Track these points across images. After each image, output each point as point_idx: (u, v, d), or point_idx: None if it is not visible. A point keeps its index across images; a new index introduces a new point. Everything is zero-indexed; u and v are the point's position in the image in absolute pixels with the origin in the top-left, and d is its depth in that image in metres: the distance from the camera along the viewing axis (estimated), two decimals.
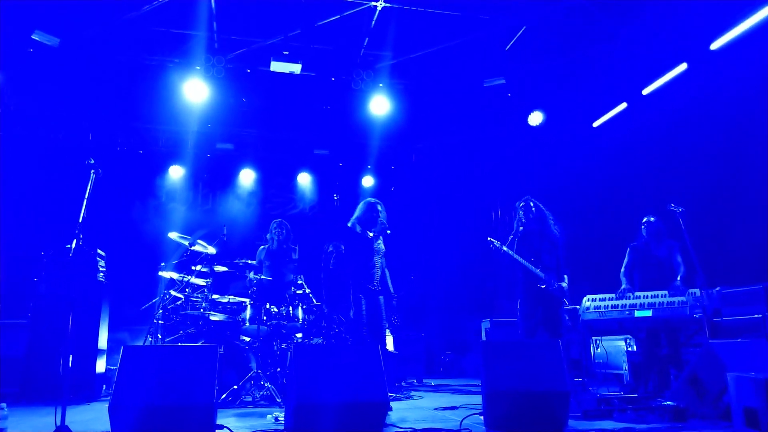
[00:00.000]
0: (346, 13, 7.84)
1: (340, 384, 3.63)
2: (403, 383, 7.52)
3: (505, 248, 5.53)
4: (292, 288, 6.50)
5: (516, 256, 5.49)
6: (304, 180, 11.54)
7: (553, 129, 9.94)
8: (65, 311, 5.40)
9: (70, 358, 4.04)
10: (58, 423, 3.55)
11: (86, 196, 4.25)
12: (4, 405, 3.84)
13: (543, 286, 5.44)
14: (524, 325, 5.42)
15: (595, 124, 9.66)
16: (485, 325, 8.53)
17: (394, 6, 7.64)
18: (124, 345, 3.61)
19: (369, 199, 6.17)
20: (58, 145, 9.55)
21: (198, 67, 8.23)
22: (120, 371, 3.49)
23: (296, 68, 8.17)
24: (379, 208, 6.04)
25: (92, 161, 4.31)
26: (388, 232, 5.93)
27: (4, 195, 8.47)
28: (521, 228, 5.63)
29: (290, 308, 6.25)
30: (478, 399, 5.00)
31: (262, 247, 6.98)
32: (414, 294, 10.84)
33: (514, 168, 11.01)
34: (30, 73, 8.26)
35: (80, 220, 4.15)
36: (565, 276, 5.58)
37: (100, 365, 6.18)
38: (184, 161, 10.54)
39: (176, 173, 10.64)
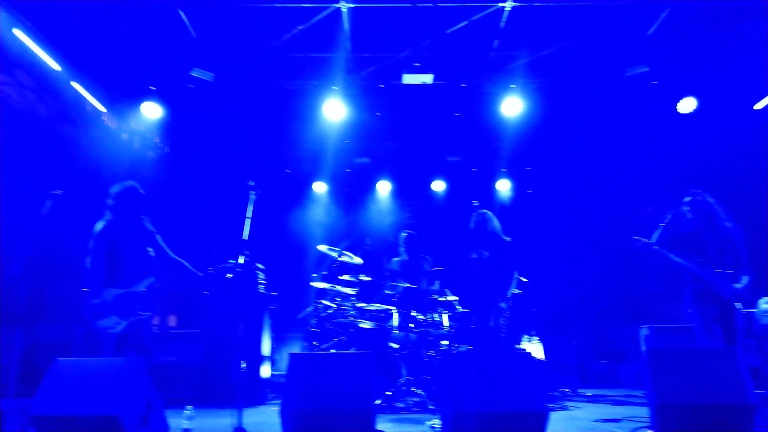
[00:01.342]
0: (474, 18, 7.81)
1: (496, 392, 3.59)
2: (556, 393, 7.24)
3: (656, 246, 5.11)
4: (434, 296, 6.56)
5: (672, 256, 5.06)
6: (439, 187, 11.61)
7: (706, 115, 9.08)
8: (234, 321, 5.94)
9: (243, 364, 4.40)
10: (236, 425, 3.88)
11: (248, 215, 4.63)
12: (190, 407, 4.29)
13: (713, 288, 4.95)
14: (700, 328, 4.94)
15: (757, 107, 8.66)
16: (644, 332, 7.96)
17: (523, 4, 7.46)
18: (290, 352, 3.87)
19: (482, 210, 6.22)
20: (220, 169, 10.50)
21: (335, 88, 8.63)
22: (288, 377, 3.75)
23: (428, 78, 8.28)
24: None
25: (252, 183, 4.69)
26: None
27: (177, 218, 9.49)
28: (687, 225, 5.17)
29: (435, 315, 6.32)
30: (641, 411, 4.68)
31: (396, 258, 7.18)
32: (558, 299, 10.43)
33: (664, 161, 10.20)
34: (190, 106, 9.20)
35: (245, 238, 4.52)
36: (745, 277, 4.98)
37: (265, 371, 6.67)
38: (326, 177, 11.11)
39: (320, 189, 11.25)
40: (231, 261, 5.16)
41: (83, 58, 7.86)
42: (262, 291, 6.83)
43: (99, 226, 4.44)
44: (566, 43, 8.35)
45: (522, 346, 6.84)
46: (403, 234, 7.22)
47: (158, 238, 4.65)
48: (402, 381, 5.93)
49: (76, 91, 8.19)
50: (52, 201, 4.67)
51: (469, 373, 3.64)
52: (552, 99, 9.41)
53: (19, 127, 10.01)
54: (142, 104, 8.41)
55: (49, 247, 5.63)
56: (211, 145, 10.40)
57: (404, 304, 6.41)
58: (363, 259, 7.26)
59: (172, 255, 4.65)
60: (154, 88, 8.29)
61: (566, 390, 7.73)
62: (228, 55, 8.42)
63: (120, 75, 8.27)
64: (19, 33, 6.90)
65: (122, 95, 8.55)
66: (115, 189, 4.58)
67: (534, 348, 7.06)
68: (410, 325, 6.27)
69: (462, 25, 7.90)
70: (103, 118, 8.95)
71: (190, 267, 4.61)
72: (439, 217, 11.55)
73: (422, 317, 6.26)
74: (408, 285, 6.55)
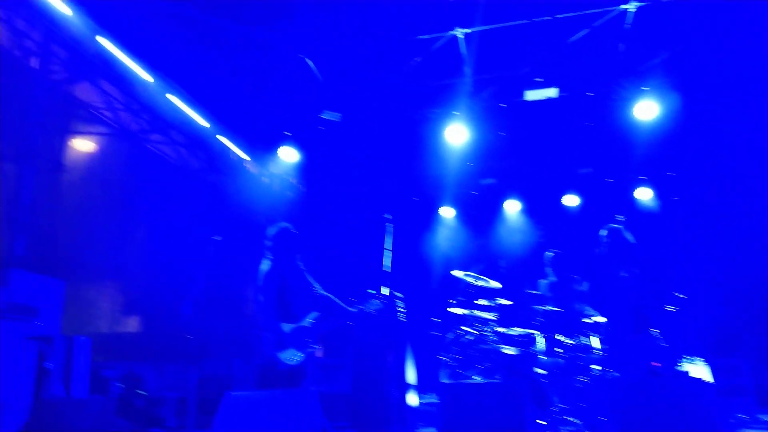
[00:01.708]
0: (596, 24, 7.52)
1: (666, 420, 3.33)
2: (731, 420, 6.54)
3: None
4: (583, 318, 6.25)
5: None
6: (571, 202, 11.15)
7: None
8: (380, 350, 6.08)
9: (394, 393, 4.48)
10: None
11: (387, 247, 4.77)
12: None
13: None
14: None
15: None
16: None
17: (649, 3, 7.06)
18: (442, 382, 3.88)
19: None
20: (354, 203, 10.94)
21: (456, 113, 8.70)
22: (440, 406, 3.76)
23: (552, 92, 8.07)
24: None
25: (389, 216, 4.83)
26: None
27: (317, 253, 10.00)
28: None
29: (584, 339, 6.01)
30: None
31: (544, 280, 6.91)
32: (723, 315, 9.46)
33: None
34: (322, 146, 9.74)
35: (386, 269, 4.65)
36: None
37: (412, 399, 6.73)
38: (453, 201, 11.14)
39: (447, 213, 11.29)
40: (370, 290, 5.31)
41: (226, 113, 8.67)
42: (402, 319, 6.94)
43: (264, 266, 4.68)
44: (701, 37, 7.74)
45: (685, 369, 6.27)
46: (549, 254, 6.94)
47: (307, 275, 4.89)
48: (555, 409, 5.69)
49: (222, 143, 9.03)
50: (214, 246, 5.14)
51: (635, 400, 3.42)
52: (689, 98, 8.72)
53: (175, 179, 11.24)
54: (279, 149, 9.04)
55: (213, 288, 6.18)
56: (343, 180, 10.89)
57: (549, 327, 6.18)
58: (500, 282, 7.13)
59: (321, 290, 4.84)
60: (289, 134, 8.88)
61: (744, 416, 6.94)
62: (352, 94, 8.84)
63: (258, 125, 8.99)
64: (172, 98, 7.77)
65: (261, 143, 9.26)
66: (271, 231, 4.82)
67: (699, 370, 6.45)
68: (557, 349, 6.02)
69: (584, 33, 7.64)
70: (246, 165, 9.77)
71: (339, 302, 4.78)
72: (574, 233, 11.07)
73: (570, 341, 5.99)
74: (553, 308, 6.31)
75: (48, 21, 6.80)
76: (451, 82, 8.59)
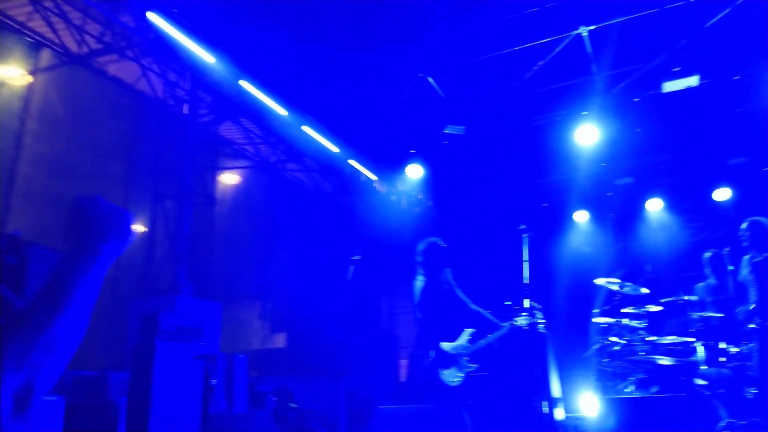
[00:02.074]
0: (738, 2, 6.87)
1: None
2: None
3: None
4: (750, 324, 5.66)
5: None
6: (723, 196, 10.16)
7: None
8: (519, 364, 5.96)
9: (545, 407, 4.37)
10: None
11: (525, 258, 4.68)
12: None
13: None
14: None
15: None
16: None
17: None
18: (607, 398, 3.72)
19: None
20: (483, 215, 10.88)
21: (585, 113, 8.35)
22: (620, 423, 3.60)
23: (693, 81, 7.47)
24: None
25: (524, 226, 4.75)
26: None
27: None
28: None
29: (751, 346, 5.44)
30: None
31: (701, 284, 6.36)
32: None
33: None
34: (447, 160, 9.81)
35: (526, 281, 4.57)
36: None
37: (559, 413, 6.49)
38: (587, 205, 10.64)
39: (581, 218, 10.80)
40: (507, 303, 5.22)
41: (354, 138, 9.05)
42: (542, 330, 6.74)
43: (418, 282, 4.55)
44: None
45: None
46: (707, 254, 6.36)
47: (458, 290, 4.81)
48: (723, 424, 5.20)
49: (352, 166, 9.43)
50: (354, 266, 5.36)
51: None
52: None
53: (310, 203, 11.93)
54: (406, 167, 9.24)
55: (356, 307, 6.44)
56: (472, 192, 10.87)
57: (710, 335, 5.67)
58: (648, 287, 6.68)
59: (474, 306, 4.73)
60: (414, 151, 9.07)
61: None
62: (475, 106, 8.83)
63: (384, 146, 9.28)
64: (306, 129, 8.28)
65: (388, 163, 9.54)
66: (421, 246, 4.67)
67: None
68: (721, 359, 5.51)
69: (724, 13, 7.01)
70: (375, 185, 10.11)
71: (492, 317, 4.69)
72: (729, 230, 10.08)
73: (736, 350, 5.45)
74: (713, 314, 5.79)
75: (195, 70, 7.59)
76: (577, 82, 8.27)
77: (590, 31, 7.31)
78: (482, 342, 4.42)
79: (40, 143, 7.27)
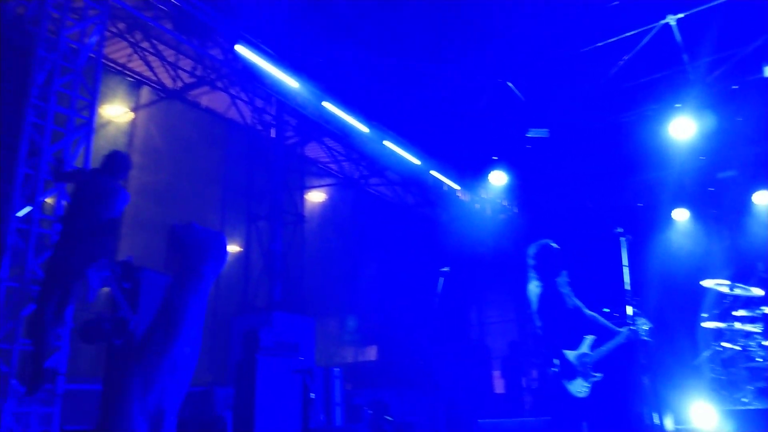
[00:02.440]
0: None
1: None
2: None
3: None
4: None
5: None
6: None
7: None
8: (634, 373, 5.69)
9: (655, 417, 4.15)
10: None
11: (624, 263, 4.46)
12: None
13: None
14: None
15: None
16: None
17: None
18: (723, 409, 3.49)
19: None
20: (572, 219, 10.51)
21: (678, 105, 7.92)
22: None
23: None
24: None
25: (621, 230, 4.53)
26: None
27: None
28: None
29: None
30: None
31: None
32: None
33: None
34: (530, 164, 9.59)
35: (627, 287, 4.36)
36: None
37: (669, 423, 6.12)
38: (687, 202, 10.02)
39: (681, 216, 10.19)
40: (605, 309, 4.99)
41: (436, 148, 9.07)
42: (644, 338, 6.40)
43: (533, 289, 4.31)
44: None
45: None
46: None
47: (572, 295, 4.53)
48: None
49: (434, 177, 9.44)
50: (444, 277, 5.35)
51: None
52: None
53: (393, 216, 12.05)
54: (489, 175, 9.13)
55: (446, 318, 6.41)
56: (558, 196, 10.55)
57: None
58: (760, 287, 6.19)
59: (588, 311, 4.48)
60: (496, 158, 8.95)
61: None
62: (559, 107, 8.59)
63: (466, 154, 9.22)
64: (388, 143, 8.40)
65: (470, 171, 9.47)
66: (532, 249, 4.42)
67: None
68: None
69: None
70: (458, 194, 10.06)
71: (609, 324, 4.44)
72: None
73: None
74: None
75: (280, 95, 7.92)
76: (667, 74, 7.86)
77: (678, 20, 6.94)
78: (604, 350, 4.15)
79: (144, 174, 7.83)
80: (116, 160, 4.43)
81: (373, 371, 10.55)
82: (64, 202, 4.83)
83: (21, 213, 4.66)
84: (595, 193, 10.37)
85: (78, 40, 5.16)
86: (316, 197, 11.08)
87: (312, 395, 7.20)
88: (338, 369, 8.11)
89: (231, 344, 8.35)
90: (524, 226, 10.45)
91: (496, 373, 11.24)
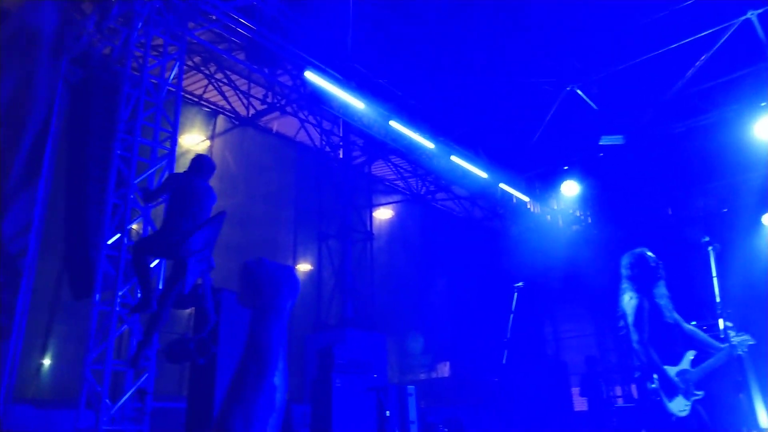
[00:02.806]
0: None
1: None
2: None
3: None
4: None
5: None
6: None
7: None
8: (728, 390, 5.36)
9: None
10: None
11: (714, 274, 4.20)
12: None
13: None
14: None
15: None
16: None
17: None
18: None
19: None
20: (651, 228, 10.07)
21: (764, 104, 7.46)
22: None
23: None
24: None
25: (707, 238, 4.28)
26: None
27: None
28: None
29: None
30: None
31: None
32: None
33: None
34: (603, 172, 9.27)
35: (718, 300, 4.11)
36: None
37: None
38: None
39: None
40: (692, 323, 4.70)
41: (504, 160, 8.94)
42: (743, 354, 5.99)
43: (628, 300, 4.09)
44: None
45: None
46: None
47: (669, 308, 4.28)
48: None
49: (503, 190, 9.30)
50: (518, 293, 5.24)
51: None
52: None
53: (459, 230, 11.95)
54: (561, 185, 8.90)
55: (520, 334, 6.25)
56: (634, 204, 10.14)
57: None
58: None
59: (686, 325, 4.23)
60: (567, 168, 8.72)
61: None
62: (634, 113, 8.29)
63: (536, 165, 9.04)
64: (455, 158, 8.37)
65: (541, 182, 9.27)
66: (626, 259, 4.21)
67: None
68: None
69: None
70: (528, 206, 9.86)
71: (708, 338, 4.17)
72: None
73: None
74: None
75: (346, 116, 8.07)
76: (749, 72, 7.43)
77: (759, 14, 6.57)
78: (706, 366, 3.89)
79: (221, 198, 8.11)
80: (203, 163, 4.67)
81: (446, 388, 10.42)
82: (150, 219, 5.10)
83: (111, 241, 4.96)
84: (675, 201, 9.89)
85: (159, 76, 5.47)
86: (383, 214, 11.17)
87: (387, 413, 7.20)
88: (412, 386, 8.07)
89: (306, 361, 8.49)
90: (599, 237, 10.08)
91: (575, 390, 10.82)
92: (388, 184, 11.15)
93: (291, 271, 1.30)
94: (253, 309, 1.25)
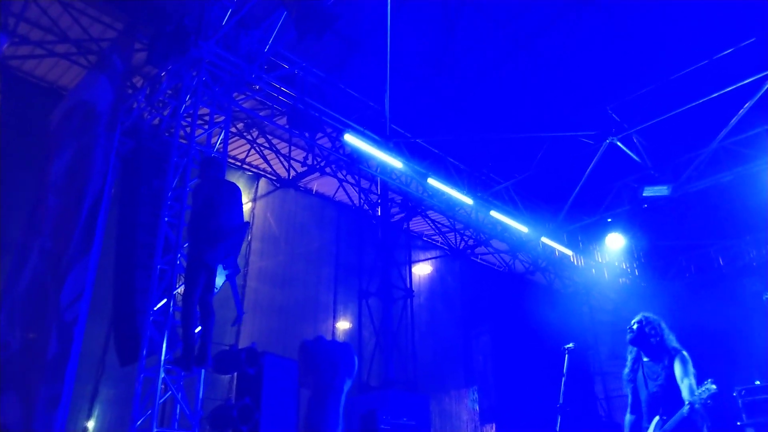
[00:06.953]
0: None
1: None
2: None
3: None
4: None
5: None
6: None
7: None
8: None
9: None
10: None
11: None
12: None
13: None
14: None
15: None
16: None
17: None
18: None
19: None
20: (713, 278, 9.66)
21: None
22: None
23: None
24: None
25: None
26: None
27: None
28: None
29: None
30: None
31: None
32: None
33: None
34: (649, 223, 9.03)
35: None
36: None
37: None
38: None
39: None
40: (757, 383, 4.42)
41: (545, 214, 8.82)
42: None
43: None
44: None
45: None
46: None
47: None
48: None
49: (545, 244, 9.14)
50: (568, 354, 5.02)
51: None
52: None
53: (499, 283, 11.71)
54: (606, 237, 8.70)
55: (571, 394, 5.97)
56: (682, 255, 9.81)
57: None
58: None
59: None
60: (610, 220, 8.54)
61: None
62: (678, 162, 8.11)
63: (579, 218, 8.87)
64: (495, 213, 8.30)
65: (584, 235, 9.08)
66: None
67: None
68: None
69: None
70: (572, 260, 9.63)
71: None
72: None
73: None
74: None
75: (384, 175, 8.16)
76: None
77: None
78: (666, 427, 3.73)
79: (263, 259, 8.25)
80: (215, 160, 5.02)
81: None
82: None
83: (158, 306, 5.01)
84: (726, 251, 9.51)
85: (205, 144, 5.65)
86: (423, 270, 11.07)
87: None
88: None
89: (350, 425, 8.28)
90: (647, 290, 9.73)
91: None
92: (426, 239, 11.11)
93: (348, 349, 1.27)
94: (312, 389, 1.23)
